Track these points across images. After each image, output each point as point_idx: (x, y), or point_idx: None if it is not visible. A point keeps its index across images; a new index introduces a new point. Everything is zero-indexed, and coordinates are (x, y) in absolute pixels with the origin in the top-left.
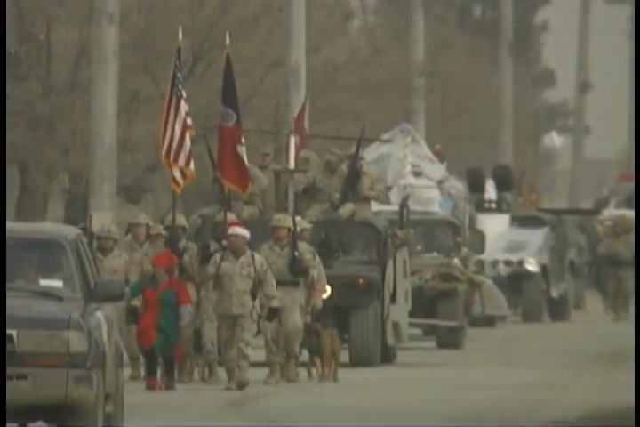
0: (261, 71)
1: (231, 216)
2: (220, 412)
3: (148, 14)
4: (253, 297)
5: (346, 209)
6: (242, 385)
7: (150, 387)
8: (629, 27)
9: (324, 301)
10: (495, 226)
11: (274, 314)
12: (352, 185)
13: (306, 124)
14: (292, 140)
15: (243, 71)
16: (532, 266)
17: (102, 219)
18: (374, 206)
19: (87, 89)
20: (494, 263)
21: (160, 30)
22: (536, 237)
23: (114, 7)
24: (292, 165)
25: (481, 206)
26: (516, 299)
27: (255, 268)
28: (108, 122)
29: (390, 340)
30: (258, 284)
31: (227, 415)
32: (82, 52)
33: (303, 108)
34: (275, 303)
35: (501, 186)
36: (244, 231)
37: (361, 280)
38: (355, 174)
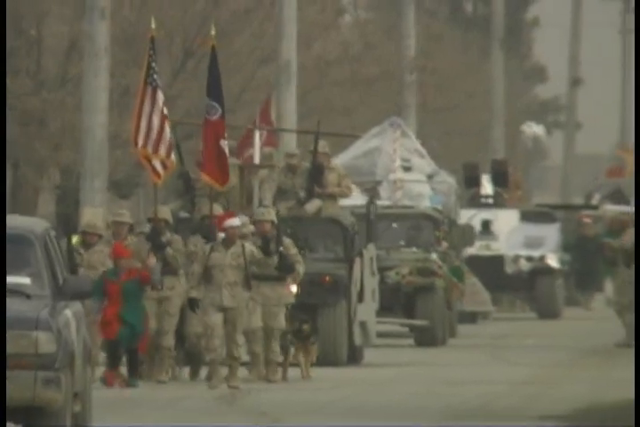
0: (253, 66)
1: (218, 209)
2: (210, 407)
3: (139, 8)
4: (248, 288)
5: (312, 205)
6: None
7: (107, 383)
8: (621, 21)
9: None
10: (506, 221)
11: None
12: (316, 181)
13: (272, 117)
14: (257, 135)
15: (234, 66)
16: (553, 262)
17: (93, 214)
18: (354, 200)
19: (78, 84)
20: (515, 259)
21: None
22: (552, 232)
23: (105, 2)
24: (256, 160)
25: (477, 201)
26: (535, 295)
27: (245, 258)
28: (100, 117)
29: (357, 339)
30: (258, 266)
31: (217, 411)
32: (73, 46)
33: (268, 102)
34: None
35: (498, 181)
36: (237, 221)
37: (328, 278)
38: (317, 169)
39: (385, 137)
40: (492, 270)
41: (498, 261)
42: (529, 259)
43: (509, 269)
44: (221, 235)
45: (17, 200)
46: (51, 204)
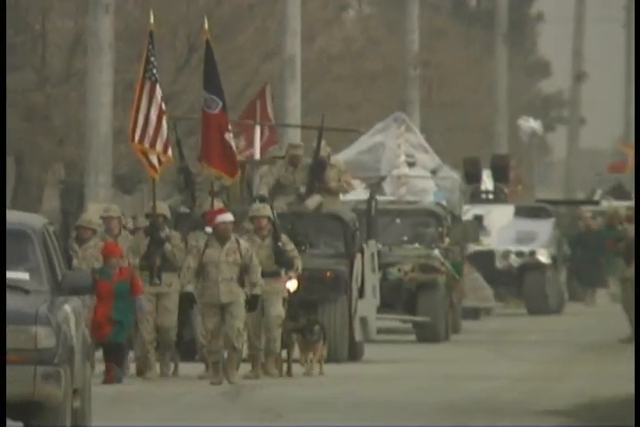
0: (257, 61)
1: (219, 205)
2: (213, 403)
3: (143, 4)
4: (241, 284)
5: (313, 201)
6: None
7: (108, 381)
8: (625, 16)
9: (289, 295)
10: (500, 216)
11: (255, 302)
12: (317, 176)
13: (270, 113)
14: (258, 131)
15: (238, 61)
16: (544, 257)
17: (97, 210)
18: (358, 195)
19: (82, 79)
20: (506, 254)
21: (155, 20)
22: (545, 227)
23: None
24: (257, 155)
25: (478, 197)
26: (525, 290)
27: (241, 254)
28: (104, 112)
29: (358, 335)
30: (244, 271)
31: (220, 407)
32: (77, 41)
33: (263, 95)
34: (257, 291)
35: (498, 176)
36: (230, 216)
37: (328, 273)
38: (319, 165)
39: (389, 132)
40: (483, 265)
41: (489, 256)
42: (519, 254)
43: (500, 264)
44: (208, 230)
45: (19, 196)
46: (55, 199)
